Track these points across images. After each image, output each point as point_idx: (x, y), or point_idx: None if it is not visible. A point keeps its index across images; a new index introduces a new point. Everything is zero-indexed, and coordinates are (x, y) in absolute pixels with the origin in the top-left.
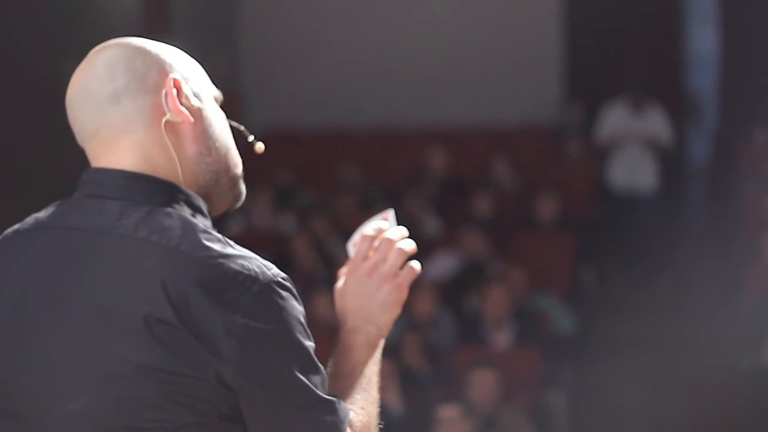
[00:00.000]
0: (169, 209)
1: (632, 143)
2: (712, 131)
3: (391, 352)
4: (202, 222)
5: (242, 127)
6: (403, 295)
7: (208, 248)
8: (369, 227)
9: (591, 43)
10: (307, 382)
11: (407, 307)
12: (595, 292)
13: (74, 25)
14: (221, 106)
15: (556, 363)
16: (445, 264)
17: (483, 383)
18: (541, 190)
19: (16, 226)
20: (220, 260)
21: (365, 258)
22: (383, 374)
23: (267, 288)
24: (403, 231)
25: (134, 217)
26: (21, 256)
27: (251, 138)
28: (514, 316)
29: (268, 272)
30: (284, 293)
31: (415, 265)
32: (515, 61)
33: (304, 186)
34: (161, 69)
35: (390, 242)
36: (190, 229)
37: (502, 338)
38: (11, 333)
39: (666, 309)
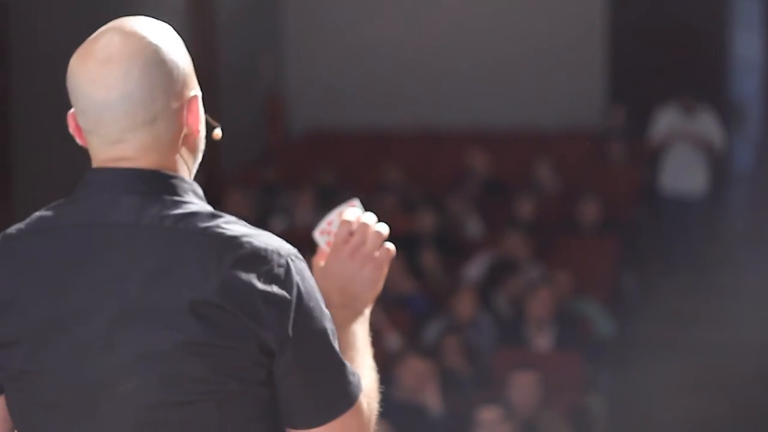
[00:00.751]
0: (181, 199)
1: (685, 145)
2: (756, 137)
3: (431, 354)
4: (208, 207)
5: (212, 121)
6: (384, 273)
7: (232, 230)
8: (335, 215)
9: (634, 48)
10: (335, 345)
11: (447, 308)
12: (636, 296)
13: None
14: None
15: (596, 367)
16: (486, 266)
17: (523, 385)
18: (584, 194)
19: (21, 226)
20: (246, 239)
21: (346, 242)
22: (425, 376)
23: (291, 260)
24: (374, 217)
25: (155, 209)
26: (48, 255)
27: (217, 128)
28: (555, 319)
29: (287, 246)
30: (303, 265)
31: (390, 246)
32: (559, 65)
33: (347, 186)
34: (185, 85)
35: (367, 226)
36: (208, 215)
37: (543, 341)
38: (50, 329)
39: (706, 314)
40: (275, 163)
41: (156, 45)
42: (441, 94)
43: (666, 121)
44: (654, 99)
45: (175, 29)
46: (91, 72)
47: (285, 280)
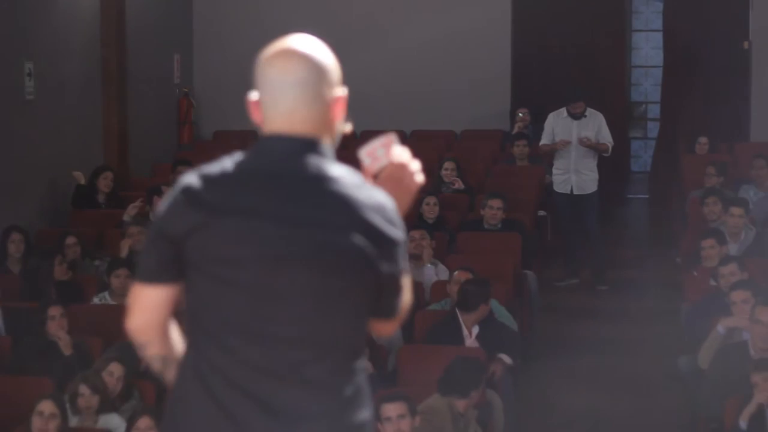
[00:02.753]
0: (335, 161)
1: (575, 147)
2: (656, 138)
3: None
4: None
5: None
6: (414, 196)
7: (367, 184)
8: (379, 143)
9: (537, 54)
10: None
11: None
12: (537, 293)
13: (33, 28)
14: None
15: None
16: None
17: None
18: (488, 193)
19: (214, 168)
20: (376, 193)
21: (391, 175)
22: None
23: (395, 208)
24: (408, 152)
25: (328, 166)
26: (254, 190)
27: (348, 123)
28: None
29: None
30: None
31: (421, 177)
32: (463, 68)
33: None
34: (337, 87)
35: (405, 165)
36: (354, 173)
37: (470, 339)
38: (252, 237)
39: (606, 310)
40: (185, 164)
41: (319, 53)
42: (350, 97)
43: (555, 125)
44: (556, 103)
45: (84, 31)
46: (278, 63)
47: (398, 222)
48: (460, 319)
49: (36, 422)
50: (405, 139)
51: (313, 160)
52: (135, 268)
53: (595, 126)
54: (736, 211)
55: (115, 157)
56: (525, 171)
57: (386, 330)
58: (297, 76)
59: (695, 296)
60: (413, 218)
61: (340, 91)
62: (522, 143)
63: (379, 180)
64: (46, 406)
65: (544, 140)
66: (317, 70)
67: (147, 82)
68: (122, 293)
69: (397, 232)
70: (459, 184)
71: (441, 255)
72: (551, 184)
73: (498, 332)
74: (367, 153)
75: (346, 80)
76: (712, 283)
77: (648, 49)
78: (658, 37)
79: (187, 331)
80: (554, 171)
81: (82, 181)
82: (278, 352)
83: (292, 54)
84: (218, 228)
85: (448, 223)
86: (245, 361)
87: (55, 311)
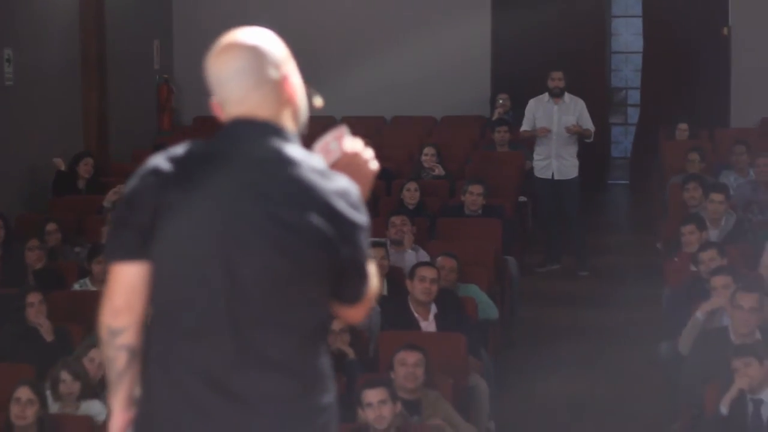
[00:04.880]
0: (298, 146)
1: (555, 133)
2: (636, 125)
3: None
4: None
5: (311, 89)
6: (371, 184)
7: (329, 171)
8: (331, 137)
9: (518, 40)
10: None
11: None
12: (518, 279)
13: (12, 14)
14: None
15: (481, 348)
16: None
17: (408, 365)
18: (468, 178)
19: (180, 151)
20: (339, 179)
21: (347, 164)
22: None
23: (359, 194)
24: (361, 142)
25: (290, 150)
26: (217, 173)
27: (316, 97)
28: (439, 302)
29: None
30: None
31: (375, 164)
32: (445, 55)
33: None
34: (281, 65)
35: (359, 153)
36: (317, 158)
37: (428, 324)
38: (213, 219)
39: (586, 296)
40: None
41: (254, 40)
42: (330, 83)
43: (535, 110)
44: (536, 89)
45: (63, 17)
46: (216, 61)
47: (361, 206)
48: (409, 303)
49: (14, 409)
50: (385, 125)
51: (274, 144)
52: (106, 247)
53: (576, 111)
54: (716, 197)
55: (95, 143)
56: (505, 157)
57: (353, 316)
58: (236, 66)
59: (676, 282)
60: (394, 204)
61: (288, 68)
62: (502, 129)
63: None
64: (24, 392)
65: (525, 126)
66: (255, 54)
67: (127, 68)
68: (103, 279)
69: (359, 216)
70: (439, 170)
71: (422, 241)
72: (532, 169)
73: (460, 316)
74: (320, 148)
75: (327, 67)
76: (693, 268)
77: (628, 35)
78: (638, 22)
79: (152, 318)
80: (535, 157)
81: (63, 168)
82: (240, 334)
83: (228, 47)
84: (180, 209)
85: (428, 208)
86: (206, 345)
87: (33, 298)
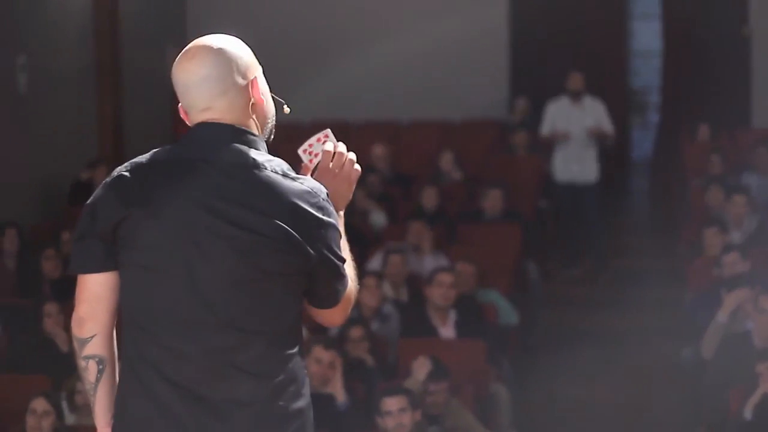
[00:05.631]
0: (263, 150)
1: (575, 135)
2: (656, 126)
3: (336, 344)
4: (266, 155)
5: (278, 98)
6: (353, 187)
7: (294, 173)
8: (314, 139)
9: (536, 42)
10: (342, 252)
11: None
12: (538, 284)
13: (26, 21)
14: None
15: (501, 355)
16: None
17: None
18: (487, 184)
19: (144, 159)
20: (304, 180)
21: (328, 166)
22: (330, 365)
23: (326, 196)
24: (344, 146)
25: (254, 154)
26: (179, 179)
27: (284, 105)
28: (458, 308)
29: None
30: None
31: (358, 167)
32: (464, 58)
33: None
34: (247, 71)
35: (342, 154)
36: (280, 161)
37: (448, 330)
38: (176, 225)
39: (606, 301)
40: None
41: (221, 46)
42: (347, 87)
43: (555, 113)
44: (556, 91)
45: (78, 23)
46: (182, 67)
47: (327, 209)
48: (427, 309)
49: (30, 420)
50: (402, 130)
51: (238, 148)
52: (71, 258)
53: (596, 113)
54: (738, 199)
55: (110, 151)
56: (525, 161)
57: (332, 319)
58: (202, 73)
59: (698, 285)
60: (412, 209)
61: (253, 74)
62: (522, 133)
63: (317, 173)
64: (39, 404)
65: (544, 129)
66: (220, 61)
67: (141, 74)
68: None
69: (326, 217)
70: (458, 175)
71: (441, 246)
72: (552, 173)
73: (481, 322)
74: (303, 150)
75: (344, 72)
76: (715, 271)
77: (648, 35)
78: (658, 23)
79: (123, 327)
80: (555, 160)
81: (84, 177)
82: (206, 340)
83: (193, 54)
84: (143, 218)
85: (447, 213)
86: (174, 351)
87: (51, 308)
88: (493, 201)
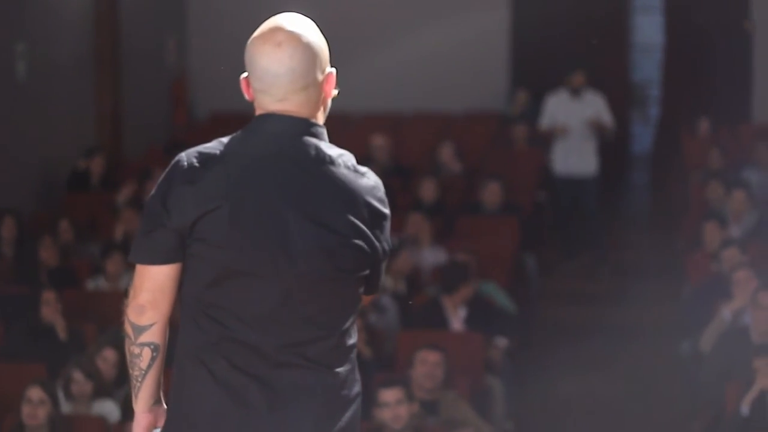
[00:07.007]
0: (327, 140)
1: (575, 127)
2: (657, 120)
3: None
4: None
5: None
6: None
7: (360, 167)
8: None
9: (536, 34)
10: None
11: None
12: (536, 277)
13: (25, 9)
14: None
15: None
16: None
17: (427, 365)
18: (486, 176)
19: (216, 150)
20: (368, 174)
21: None
22: None
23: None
24: None
25: (325, 147)
26: (259, 174)
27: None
28: (469, 304)
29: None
30: None
31: None
32: (463, 50)
33: None
34: (326, 66)
35: None
36: (349, 156)
37: (458, 323)
38: (260, 223)
39: (604, 294)
40: (180, 147)
41: (309, 37)
42: (347, 78)
43: (554, 106)
44: (556, 84)
45: (77, 13)
46: (268, 52)
47: (386, 202)
48: (443, 302)
49: (25, 409)
50: (402, 121)
51: (312, 142)
52: (134, 249)
53: (596, 107)
54: (738, 193)
55: (108, 140)
56: (524, 153)
57: (364, 303)
58: (288, 65)
59: (697, 280)
60: (411, 201)
61: (329, 68)
62: (521, 125)
63: None
64: (35, 393)
65: (544, 122)
66: (307, 57)
67: (141, 63)
68: (116, 277)
69: (387, 210)
70: (457, 167)
71: (440, 238)
72: (551, 166)
73: (489, 314)
74: None
75: (345, 64)
76: (714, 266)
77: (649, 29)
78: (660, 17)
79: (185, 316)
80: (554, 153)
81: (82, 166)
82: (283, 335)
83: (280, 41)
84: (224, 214)
85: (446, 206)
86: (249, 345)
87: (49, 296)
88: (491, 194)
